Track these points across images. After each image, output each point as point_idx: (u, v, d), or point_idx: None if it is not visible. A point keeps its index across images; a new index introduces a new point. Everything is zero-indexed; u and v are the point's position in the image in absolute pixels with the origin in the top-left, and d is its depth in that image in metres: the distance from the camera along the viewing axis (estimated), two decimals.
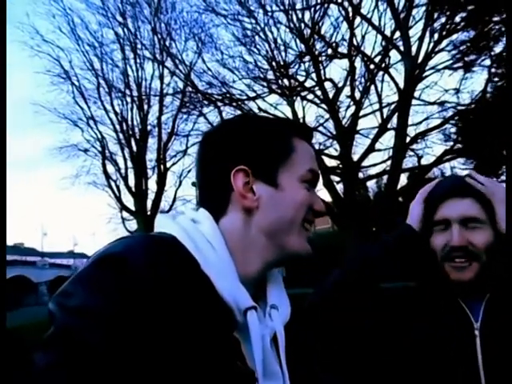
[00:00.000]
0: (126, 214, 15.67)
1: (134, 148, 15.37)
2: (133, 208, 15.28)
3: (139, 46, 14.22)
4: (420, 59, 8.38)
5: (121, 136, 15.35)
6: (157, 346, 0.49)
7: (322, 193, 9.22)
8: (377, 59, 9.11)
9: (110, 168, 15.64)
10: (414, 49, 8.45)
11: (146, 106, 15.35)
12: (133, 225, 15.69)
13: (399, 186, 8.86)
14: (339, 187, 9.37)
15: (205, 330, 0.53)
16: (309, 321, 0.67)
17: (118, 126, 15.26)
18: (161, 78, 14.46)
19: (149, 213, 15.02)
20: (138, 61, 14.81)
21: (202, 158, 0.68)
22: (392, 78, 8.63)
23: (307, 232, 0.66)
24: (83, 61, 14.91)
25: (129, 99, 15.16)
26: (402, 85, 8.37)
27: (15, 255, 33.81)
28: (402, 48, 8.55)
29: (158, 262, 0.53)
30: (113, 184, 15.48)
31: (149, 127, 15.43)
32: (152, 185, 15.70)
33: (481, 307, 0.91)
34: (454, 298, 0.94)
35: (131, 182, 15.37)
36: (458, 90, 8.26)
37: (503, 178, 7.87)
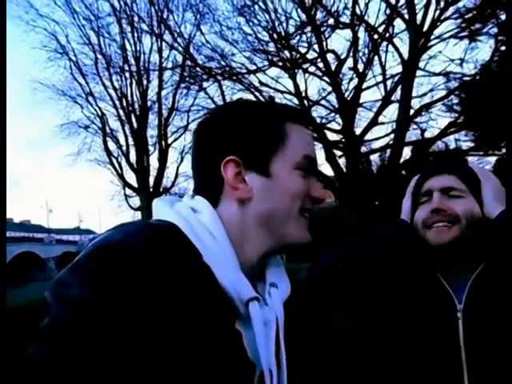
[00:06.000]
0: (129, 191, 15.76)
1: (135, 124, 15.23)
2: (135, 185, 15.32)
3: (136, 18, 13.83)
4: (425, 28, 8.11)
5: (121, 112, 15.21)
6: (157, 338, 0.48)
7: (325, 167, 9.16)
8: (380, 29, 8.82)
9: (111, 145, 15.59)
10: (419, 17, 8.16)
11: (145, 81, 15.12)
12: (136, 201, 15.80)
13: (402, 160, 8.78)
14: (342, 161, 9.29)
15: (206, 321, 0.53)
16: (299, 302, 0.69)
17: (117, 102, 15.10)
18: (159, 51, 14.13)
19: (151, 190, 15.07)
20: (135, 34, 14.46)
21: (194, 148, 0.67)
22: (396, 49, 8.37)
23: (306, 220, 0.65)
24: (80, 35, 14.60)
25: (127, 74, 14.90)
26: (406, 55, 8.14)
27: (23, 232, 34.30)
28: (406, 16, 8.25)
29: (157, 252, 0.51)
30: (114, 161, 15.48)
31: (149, 103, 15.24)
32: (154, 161, 15.68)
33: (465, 288, 0.91)
34: (438, 279, 0.95)
35: (133, 158, 15.33)
36: (463, 60, 8.03)
37: (503, 150, 7.77)
